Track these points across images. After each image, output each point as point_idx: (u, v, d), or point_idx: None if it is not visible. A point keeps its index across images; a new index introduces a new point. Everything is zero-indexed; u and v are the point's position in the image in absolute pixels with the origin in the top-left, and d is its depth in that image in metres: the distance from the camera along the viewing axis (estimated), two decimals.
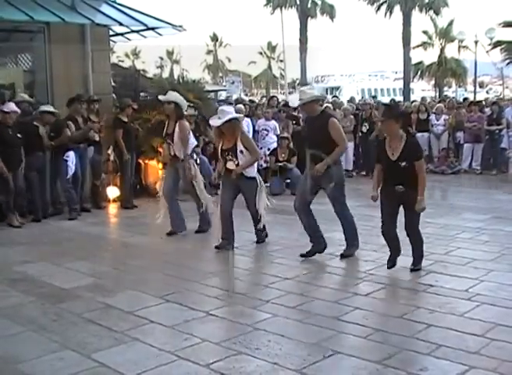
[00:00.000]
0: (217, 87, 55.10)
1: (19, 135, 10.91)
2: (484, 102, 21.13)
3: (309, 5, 54.27)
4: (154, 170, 13.82)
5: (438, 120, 18.33)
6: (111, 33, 15.24)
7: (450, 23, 56.37)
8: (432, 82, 60.08)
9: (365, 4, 51.01)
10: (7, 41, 14.56)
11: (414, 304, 6.55)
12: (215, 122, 9.03)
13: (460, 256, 8.42)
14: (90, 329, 6.03)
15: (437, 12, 51.79)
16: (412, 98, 42.77)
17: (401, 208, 7.72)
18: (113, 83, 15.15)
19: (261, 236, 9.47)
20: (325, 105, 17.44)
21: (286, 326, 6.04)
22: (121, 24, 13.92)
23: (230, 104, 17.36)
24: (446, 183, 15.73)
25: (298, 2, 53.81)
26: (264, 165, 15.20)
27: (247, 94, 69.22)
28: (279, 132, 15.54)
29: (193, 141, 10.47)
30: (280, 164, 14.56)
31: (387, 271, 7.77)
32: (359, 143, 17.63)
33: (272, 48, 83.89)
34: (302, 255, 8.48)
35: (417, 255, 7.83)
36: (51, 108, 11.94)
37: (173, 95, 10.23)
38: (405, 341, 5.55)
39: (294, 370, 5.02)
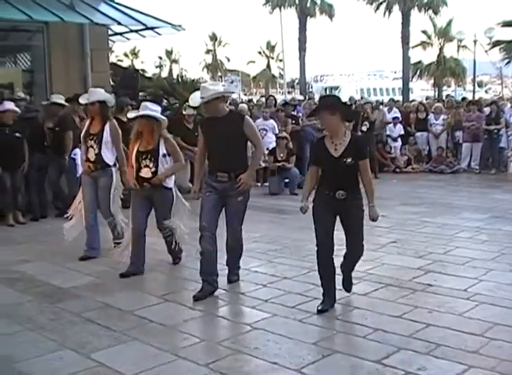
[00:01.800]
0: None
1: (17, 134, 10.89)
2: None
3: (308, 5, 54.16)
4: None
5: (437, 120, 18.35)
6: (110, 32, 15.26)
7: (449, 23, 56.40)
8: (431, 81, 60.14)
9: (364, 3, 51.03)
10: (6, 40, 14.59)
11: (412, 303, 6.54)
12: (130, 114, 8.08)
13: (459, 256, 8.41)
14: (88, 328, 6.03)
15: (436, 12, 51.77)
16: (411, 97, 42.80)
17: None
18: (112, 83, 15.15)
19: (178, 256, 8.33)
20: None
21: (285, 325, 6.03)
22: (120, 24, 13.94)
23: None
24: (445, 183, 15.72)
25: (297, 2, 53.72)
26: (263, 164, 15.21)
27: (246, 94, 69.28)
28: (277, 131, 15.54)
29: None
30: (279, 164, 14.55)
31: (386, 271, 7.76)
32: None
33: (271, 47, 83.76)
34: (194, 297, 6.84)
35: (349, 284, 6.82)
36: (61, 100, 11.85)
37: (96, 93, 8.75)
38: (404, 340, 5.55)
39: (293, 370, 5.01)
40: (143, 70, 30.95)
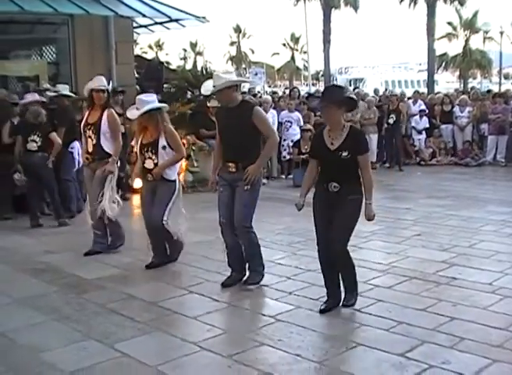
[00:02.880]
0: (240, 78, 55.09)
1: None
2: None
3: None
4: None
5: (462, 112, 18.15)
6: (134, 25, 15.32)
7: (475, 14, 56.07)
8: (457, 73, 59.80)
9: None
10: (31, 33, 14.70)
11: (436, 297, 6.51)
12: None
13: (484, 249, 8.35)
14: (113, 319, 6.07)
15: (462, 3, 51.45)
16: (436, 89, 42.53)
17: None
18: (137, 75, 15.21)
19: (174, 253, 8.10)
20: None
21: (309, 317, 6.03)
22: (144, 16, 14.00)
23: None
24: (470, 176, 15.60)
25: None
26: (288, 156, 15.21)
27: (270, 86, 69.18)
28: (302, 123, 15.52)
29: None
30: (303, 156, 14.53)
31: (410, 264, 7.73)
32: (385, 134, 17.35)
33: (295, 39, 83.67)
34: (223, 284, 7.02)
35: (349, 284, 6.30)
36: (67, 91, 11.68)
37: (103, 80, 8.45)
38: (428, 333, 5.53)
39: (316, 362, 5.02)
40: (167, 62, 31.02)
